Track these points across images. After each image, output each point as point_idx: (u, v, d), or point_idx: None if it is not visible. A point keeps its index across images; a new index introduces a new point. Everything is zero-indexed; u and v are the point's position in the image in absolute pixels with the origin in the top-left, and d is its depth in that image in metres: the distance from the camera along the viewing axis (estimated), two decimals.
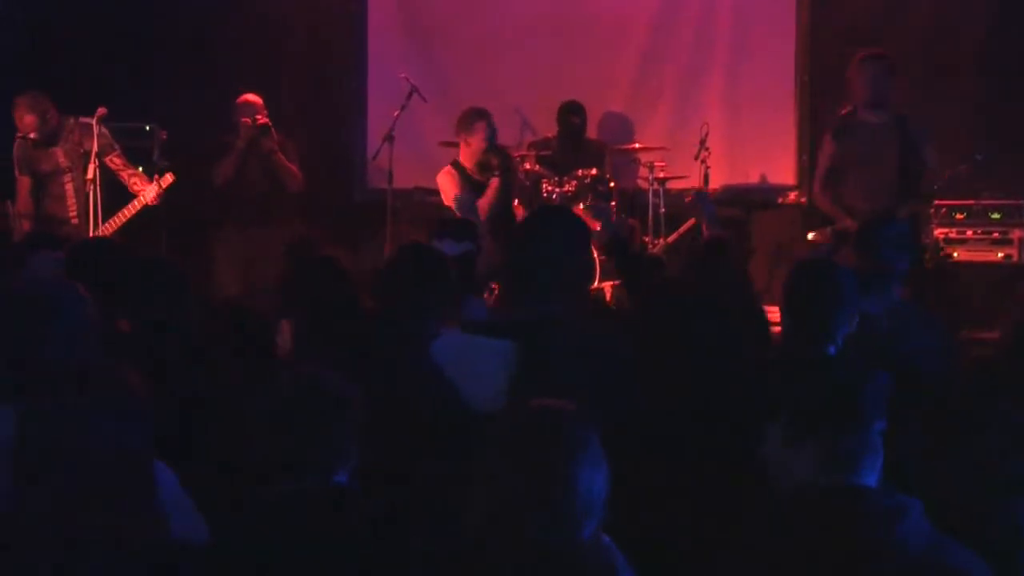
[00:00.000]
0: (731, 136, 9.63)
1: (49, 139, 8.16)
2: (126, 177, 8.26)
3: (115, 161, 8.23)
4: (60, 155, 8.20)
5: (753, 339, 4.34)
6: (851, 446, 2.79)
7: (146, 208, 8.19)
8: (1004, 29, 9.14)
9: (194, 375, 4.00)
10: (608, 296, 8.38)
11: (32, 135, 8.10)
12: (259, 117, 8.45)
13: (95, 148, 8.01)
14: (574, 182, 8.84)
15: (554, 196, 8.79)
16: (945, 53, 9.20)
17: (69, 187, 8.19)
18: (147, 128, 8.41)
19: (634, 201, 9.37)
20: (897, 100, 7.74)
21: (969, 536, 2.82)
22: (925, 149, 7.40)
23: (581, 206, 8.71)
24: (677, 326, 3.70)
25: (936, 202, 8.34)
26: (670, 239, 9.05)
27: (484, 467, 2.72)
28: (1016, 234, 8.32)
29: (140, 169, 8.31)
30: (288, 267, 5.72)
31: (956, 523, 2.83)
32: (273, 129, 8.52)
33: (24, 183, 8.25)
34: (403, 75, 9.04)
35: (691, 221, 8.98)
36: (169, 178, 8.14)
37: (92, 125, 8.03)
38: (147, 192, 8.11)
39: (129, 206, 8.16)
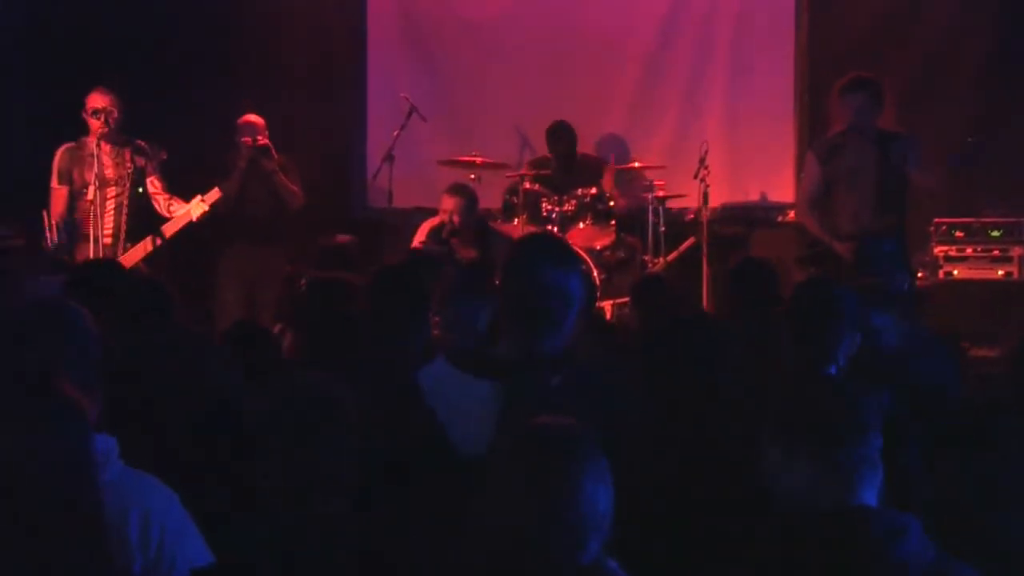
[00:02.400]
0: (730, 154, 9.61)
1: (111, 140, 7.98)
2: (162, 201, 8.12)
3: (155, 184, 8.11)
4: (110, 167, 7.99)
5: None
6: (846, 463, 2.79)
7: (149, 227, 8.11)
8: (1005, 47, 9.13)
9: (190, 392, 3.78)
10: (608, 314, 8.40)
11: (101, 128, 7.90)
12: (260, 138, 8.39)
13: (96, 169, 7.79)
14: (573, 201, 8.87)
15: (554, 215, 8.83)
16: (944, 72, 9.20)
17: (111, 203, 7.92)
18: (147, 147, 8.30)
19: (633, 219, 9.33)
20: (894, 118, 7.64)
21: (973, 554, 2.81)
22: (909, 166, 7.28)
23: (581, 225, 8.76)
24: (682, 348, 3.72)
25: (936, 220, 8.37)
26: (670, 257, 9.03)
27: (488, 484, 2.70)
28: (1016, 252, 8.34)
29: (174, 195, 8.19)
30: (292, 288, 5.72)
31: (959, 541, 2.82)
32: (273, 149, 8.47)
33: (62, 194, 7.96)
34: (403, 94, 9.09)
35: (691, 239, 9.00)
36: (215, 194, 8.05)
37: (143, 147, 7.98)
38: (194, 208, 8.01)
39: (172, 222, 8.02)
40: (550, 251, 3.81)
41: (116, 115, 7.94)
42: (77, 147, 8.00)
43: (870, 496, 2.81)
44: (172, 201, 8.09)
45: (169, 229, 7.99)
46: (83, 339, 3.08)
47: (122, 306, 4.39)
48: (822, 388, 3.08)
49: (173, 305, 4.65)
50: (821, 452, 2.80)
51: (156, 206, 8.06)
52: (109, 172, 7.95)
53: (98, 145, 7.82)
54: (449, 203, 8.11)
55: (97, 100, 7.94)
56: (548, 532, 2.60)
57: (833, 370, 4.11)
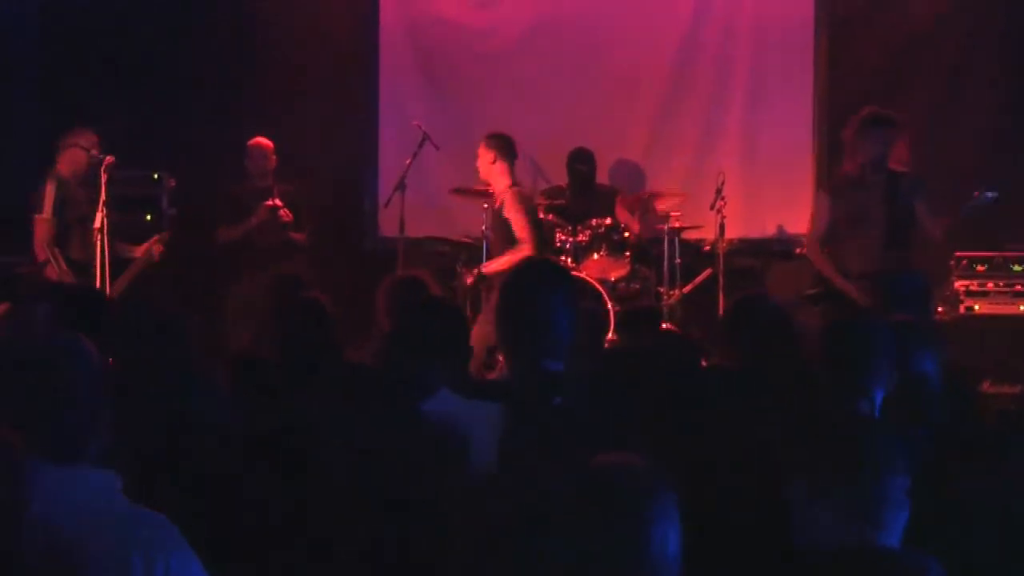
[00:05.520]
0: (748, 186, 9.55)
1: (88, 178, 7.99)
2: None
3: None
4: (86, 197, 8.01)
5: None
6: (870, 502, 2.77)
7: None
8: (1021, 80, 9.13)
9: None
10: None
11: (81, 170, 7.95)
12: (279, 208, 8.51)
13: (103, 196, 7.85)
14: (588, 231, 8.77)
15: (567, 246, 8.74)
16: (962, 106, 9.15)
17: (97, 234, 7.86)
18: (155, 176, 8.30)
19: (649, 250, 9.19)
20: (912, 154, 7.71)
21: None
22: (917, 207, 7.23)
23: (595, 256, 8.67)
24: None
25: (956, 253, 8.28)
26: (686, 290, 8.96)
27: (548, 527, 2.61)
28: None
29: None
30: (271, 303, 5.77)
31: None
32: (285, 211, 8.56)
33: (50, 226, 7.90)
34: (416, 122, 9.02)
35: (707, 271, 8.93)
36: (165, 237, 8.14)
37: (100, 173, 7.90)
38: (146, 250, 8.08)
39: (131, 267, 8.06)
40: (546, 275, 3.99)
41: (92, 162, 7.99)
42: (70, 176, 7.98)
43: (894, 536, 2.77)
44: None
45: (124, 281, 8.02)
46: (85, 372, 2.91)
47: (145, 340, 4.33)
48: (850, 425, 3.05)
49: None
50: (845, 490, 2.78)
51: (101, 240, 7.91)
52: (86, 204, 7.95)
53: (105, 173, 7.82)
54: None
55: (91, 136, 7.97)
56: None
57: (865, 406, 4.03)
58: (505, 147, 8.21)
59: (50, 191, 7.92)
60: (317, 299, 4.97)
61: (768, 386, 4.31)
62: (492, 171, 8.21)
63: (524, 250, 7.97)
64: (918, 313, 5.06)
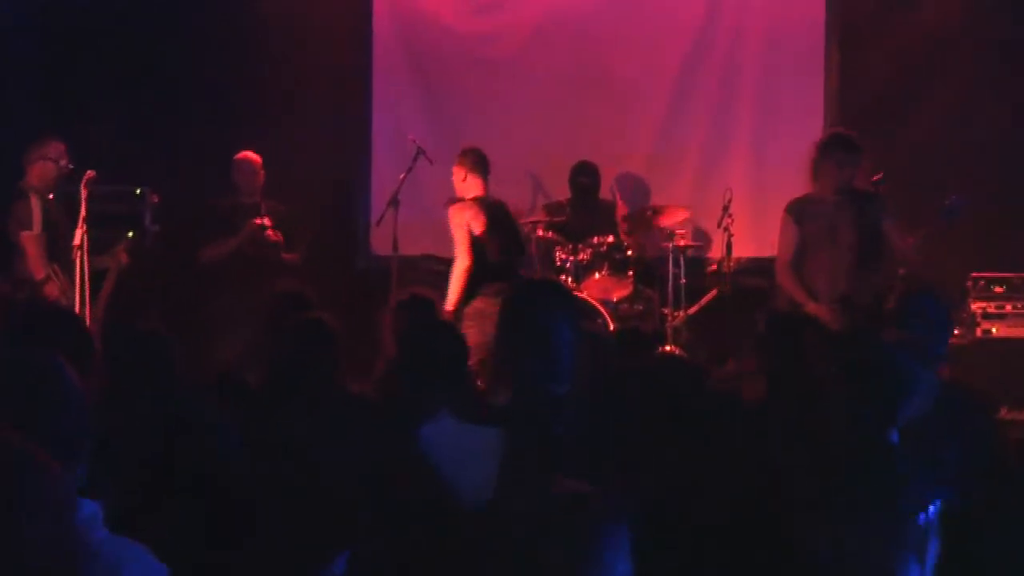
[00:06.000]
0: (756, 201, 9.30)
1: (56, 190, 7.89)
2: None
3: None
4: (61, 211, 7.86)
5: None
6: (891, 531, 2.86)
7: (137, 272, 8.01)
8: None
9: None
10: None
11: (51, 183, 7.83)
12: (267, 227, 8.39)
13: (83, 212, 7.59)
14: (589, 250, 8.60)
15: (568, 264, 8.59)
16: (976, 115, 9.02)
17: (76, 252, 7.61)
18: (138, 192, 8.07)
19: (652, 269, 9.03)
20: (931, 175, 7.74)
21: None
22: (885, 224, 7.27)
23: (597, 275, 8.53)
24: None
25: (973, 274, 8.23)
26: (691, 311, 8.74)
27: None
28: None
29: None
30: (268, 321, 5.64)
31: None
32: (276, 234, 8.44)
33: (43, 242, 7.76)
34: (411, 136, 8.79)
35: (713, 292, 8.73)
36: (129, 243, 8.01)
37: (80, 189, 7.66)
38: (113, 257, 7.93)
39: (107, 278, 7.90)
40: (546, 297, 3.99)
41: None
42: (43, 190, 7.86)
43: (915, 568, 2.86)
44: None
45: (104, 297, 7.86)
46: (64, 397, 2.77)
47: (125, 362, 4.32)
48: (874, 453, 3.12)
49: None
50: (864, 517, 2.86)
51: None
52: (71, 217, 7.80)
53: (85, 188, 7.63)
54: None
55: (59, 146, 7.88)
56: None
57: (895, 436, 3.88)
58: (475, 162, 7.92)
59: (35, 205, 7.77)
60: (320, 320, 4.84)
61: (780, 411, 4.36)
62: (464, 189, 7.92)
63: (455, 270, 7.73)
64: (938, 336, 5.05)
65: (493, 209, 7.85)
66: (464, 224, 7.75)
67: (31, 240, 7.72)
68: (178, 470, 3.66)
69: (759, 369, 5.10)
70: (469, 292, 7.62)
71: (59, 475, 2.28)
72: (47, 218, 7.77)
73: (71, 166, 7.78)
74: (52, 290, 7.59)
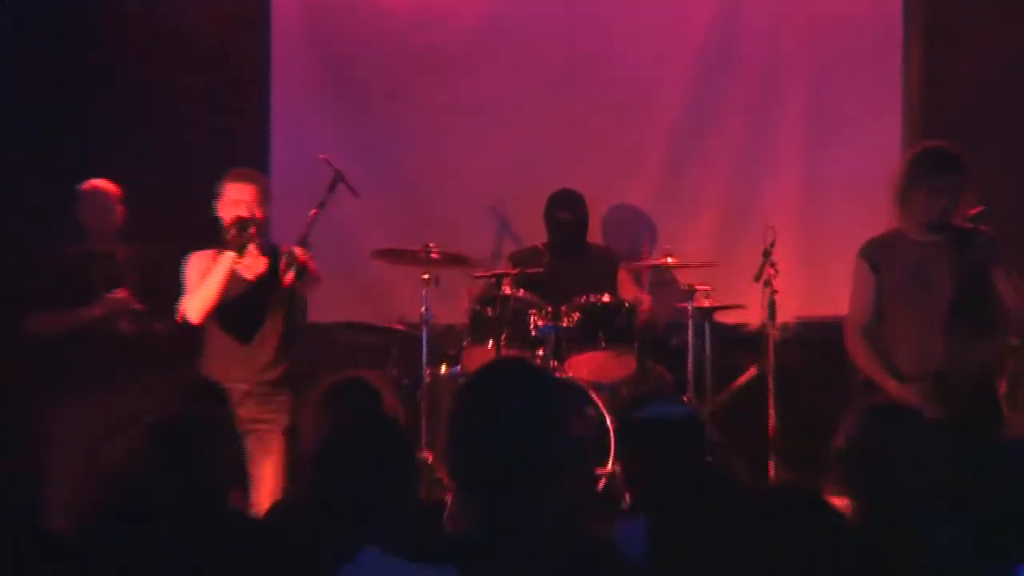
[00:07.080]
0: (808, 245, 8.26)
1: None
2: None
3: None
4: None
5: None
6: None
7: None
8: None
9: None
10: None
11: None
12: (129, 302, 7.26)
13: None
14: (576, 313, 7.32)
15: (547, 334, 7.38)
16: None
17: None
18: None
19: (666, 340, 8.14)
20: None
21: None
22: (993, 273, 6.36)
23: (588, 349, 7.43)
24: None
25: None
26: (720, 397, 7.80)
27: None
28: None
29: None
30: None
31: None
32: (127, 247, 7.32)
33: None
34: (323, 156, 7.27)
35: (751, 370, 7.72)
36: None
37: None
38: None
39: None
40: (514, 384, 3.30)
41: None
42: None
43: None
44: None
45: None
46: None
47: None
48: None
49: None
50: None
51: None
52: None
53: None
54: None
55: None
56: None
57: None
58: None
59: None
60: (208, 419, 4.39)
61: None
62: None
63: None
64: None
65: None
66: None
67: None
68: None
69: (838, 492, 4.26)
70: None
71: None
72: None
73: None
74: None
